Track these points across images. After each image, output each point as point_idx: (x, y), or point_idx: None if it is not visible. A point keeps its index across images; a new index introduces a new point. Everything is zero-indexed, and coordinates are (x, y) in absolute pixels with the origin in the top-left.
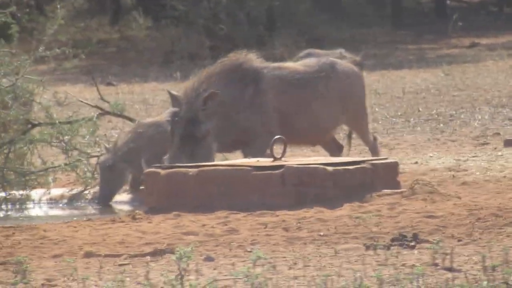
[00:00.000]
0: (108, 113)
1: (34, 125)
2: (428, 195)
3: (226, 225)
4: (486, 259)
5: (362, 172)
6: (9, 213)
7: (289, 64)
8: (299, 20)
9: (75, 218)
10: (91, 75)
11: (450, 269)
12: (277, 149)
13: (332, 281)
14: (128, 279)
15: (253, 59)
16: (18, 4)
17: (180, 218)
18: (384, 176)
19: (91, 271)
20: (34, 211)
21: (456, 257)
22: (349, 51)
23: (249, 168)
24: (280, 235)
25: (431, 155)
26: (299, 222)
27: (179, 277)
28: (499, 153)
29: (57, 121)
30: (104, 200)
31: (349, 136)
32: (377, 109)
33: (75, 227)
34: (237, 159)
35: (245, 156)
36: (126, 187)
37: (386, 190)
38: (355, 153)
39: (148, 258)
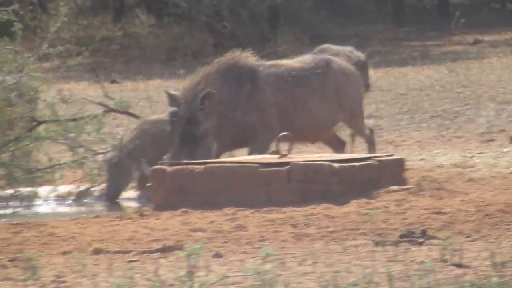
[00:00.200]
0: (113, 110)
1: (39, 123)
2: (435, 192)
3: (234, 221)
4: (495, 255)
5: (368, 169)
6: (17, 210)
7: (285, 61)
8: (302, 18)
9: (83, 215)
10: (95, 72)
11: (459, 265)
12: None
13: (342, 277)
14: (137, 275)
15: (249, 57)
16: (21, 2)
17: (188, 215)
18: (390, 173)
19: (101, 268)
20: (42, 208)
21: (465, 253)
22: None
23: (255, 164)
24: (288, 232)
25: (437, 151)
26: (307, 219)
27: (189, 273)
28: (505, 150)
29: (62, 118)
30: (111, 197)
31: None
32: (381, 106)
33: (83, 224)
34: (243, 156)
35: (250, 153)
36: (133, 184)
37: (393, 187)
38: (361, 150)
39: (157, 254)
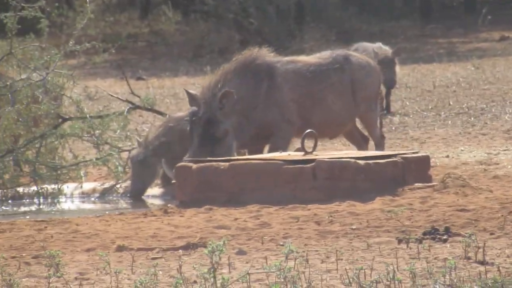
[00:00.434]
0: (138, 107)
1: (65, 120)
2: (459, 189)
3: (258, 219)
4: None
5: (394, 166)
6: (41, 207)
7: (303, 58)
8: (328, 14)
9: (107, 212)
10: (121, 69)
11: (482, 263)
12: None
13: (365, 274)
14: (160, 272)
15: (266, 54)
16: None
17: (212, 212)
18: (416, 170)
19: (124, 265)
20: (66, 205)
21: (488, 250)
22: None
23: (280, 162)
24: (312, 229)
25: (462, 148)
26: (331, 216)
27: (212, 270)
28: None
29: (88, 116)
30: (136, 194)
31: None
32: (407, 103)
33: (107, 221)
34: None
35: (271, 150)
36: (158, 181)
37: (417, 184)
38: (386, 147)
39: (181, 251)
